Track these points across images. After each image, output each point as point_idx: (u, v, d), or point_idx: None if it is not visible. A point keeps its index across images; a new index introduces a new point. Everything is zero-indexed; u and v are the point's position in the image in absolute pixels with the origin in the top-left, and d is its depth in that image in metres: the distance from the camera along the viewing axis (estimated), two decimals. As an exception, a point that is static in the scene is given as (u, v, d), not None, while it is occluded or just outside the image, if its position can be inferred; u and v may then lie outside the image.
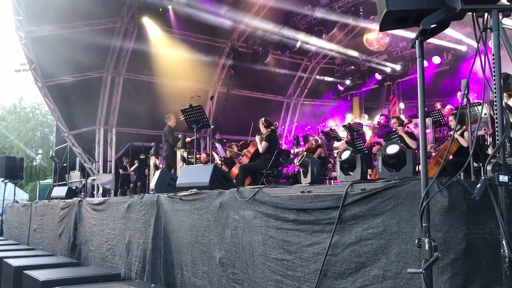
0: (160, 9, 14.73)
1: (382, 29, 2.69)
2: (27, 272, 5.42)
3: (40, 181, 25.75)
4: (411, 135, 8.66)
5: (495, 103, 2.33)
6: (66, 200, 8.80)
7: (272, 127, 8.64)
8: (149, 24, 15.01)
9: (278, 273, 3.72)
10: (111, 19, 15.06)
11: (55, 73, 14.69)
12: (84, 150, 15.73)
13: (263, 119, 8.71)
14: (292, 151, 12.48)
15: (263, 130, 8.63)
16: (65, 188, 10.26)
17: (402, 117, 11.77)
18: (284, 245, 3.70)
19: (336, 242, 3.26)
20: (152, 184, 6.52)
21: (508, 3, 2.56)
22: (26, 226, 10.29)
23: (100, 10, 14.16)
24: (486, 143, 7.30)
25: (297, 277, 3.55)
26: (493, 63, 2.30)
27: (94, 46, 14.66)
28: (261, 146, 8.33)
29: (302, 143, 13.15)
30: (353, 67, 19.24)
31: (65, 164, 14.34)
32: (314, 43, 17.06)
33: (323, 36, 16.56)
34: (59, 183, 14.86)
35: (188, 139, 10.69)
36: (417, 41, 2.51)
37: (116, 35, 15.44)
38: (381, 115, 12.11)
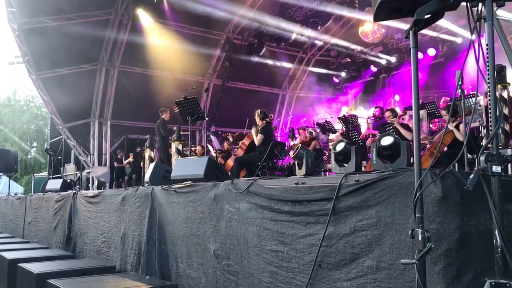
0: (155, 1, 14.64)
1: (376, 19, 2.67)
2: (22, 264, 5.41)
3: (35, 174, 25.69)
4: (406, 127, 8.66)
5: (489, 94, 2.32)
6: (60, 193, 8.77)
7: (268, 119, 8.63)
8: (144, 16, 14.92)
9: (273, 265, 3.72)
10: (105, 10, 14.96)
11: (49, 66, 14.60)
12: (79, 143, 15.68)
13: (259, 110, 8.70)
14: (287, 143, 12.48)
15: (258, 121, 8.62)
16: (60, 181, 10.24)
17: (397, 109, 11.79)
18: (279, 236, 3.70)
19: (330, 233, 3.26)
20: (147, 177, 6.50)
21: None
22: (21, 219, 10.26)
23: (94, 1, 14.06)
24: (480, 134, 7.33)
25: (292, 268, 3.56)
26: (487, 53, 2.29)
27: (88, 38, 14.56)
28: (257, 139, 8.32)
29: (297, 135, 13.15)
30: (348, 60, 19.23)
31: (60, 157, 14.29)
32: (310, 34, 17.03)
33: (319, 28, 16.52)
34: (54, 176, 14.82)
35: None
36: (411, 32, 2.50)
37: (110, 27, 15.35)
38: (376, 107, 12.11)
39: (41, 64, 14.45)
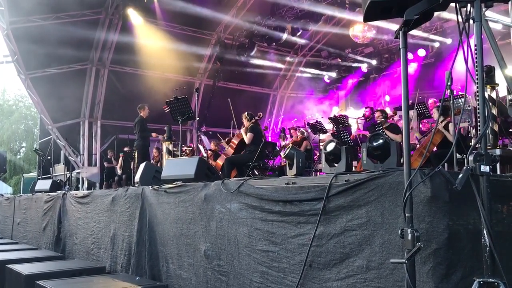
0: (145, 0, 14.58)
1: (366, 20, 2.68)
2: (10, 266, 5.37)
3: (24, 175, 25.44)
4: (396, 127, 8.67)
5: (477, 94, 2.34)
6: (50, 194, 8.70)
7: (256, 118, 8.63)
8: (134, 16, 14.84)
9: (264, 265, 3.72)
10: (95, 10, 14.87)
11: (38, 65, 14.48)
12: (69, 143, 15.55)
13: (246, 113, 8.73)
14: (278, 143, 12.48)
15: (246, 123, 8.63)
16: (49, 182, 10.15)
17: (387, 109, 11.83)
18: (270, 236, 3.70)
19: (320, 233, 3.27)
20: (137, 177, 6.47)
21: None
22: (9, 220, 10.17)
23: (84, 1, 13.97)
24: (469, 135, 7.38)
25: (283, 268, 3.56)
26: (476, 54, 2.30)
27: (78, 37, 14.47)
28: (247, 138, 8.32)
29: (288, 135, 13.15)
30: (339, 60, 19.29)
31: (49, 157, 14.18)
32: (300, 35, 17.09)
33: (310, 28, 16.56)
34: (43, 177, 14.69)
35: (154, 134, 10.72)
36: (400, 32, 2.51)
37: (100, 27, 15.27)
38: (366, 108, 12.14)
39: (30, 63, 14.31)
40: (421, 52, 16.20)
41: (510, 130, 6.84)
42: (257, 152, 8.06)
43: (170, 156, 8.98)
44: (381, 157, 3.75)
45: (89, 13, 14.73)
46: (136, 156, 10.48)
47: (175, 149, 9.60)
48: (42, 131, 18.69)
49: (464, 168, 2.22)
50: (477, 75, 2.31)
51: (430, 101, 10.82)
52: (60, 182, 12.21)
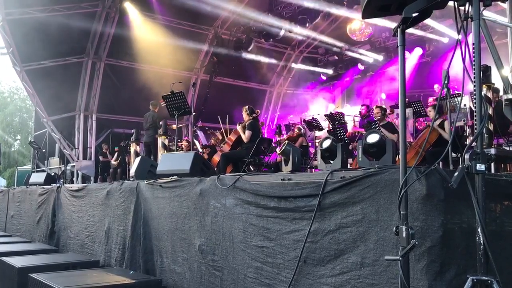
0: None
1: (364, 17, 2.68)
2: (3, 258, 5.34)
3: (18, 167, 25.33)
4: (392, 128, 8.66)
5: (474, 93, 2.34)
6: (44, 187, 8.67)
7: (254, 115, 8.62)
8: (131, 9, 14.80)
9: (258, 260, 3.73)
10: (92, 3, 14.80)
11: (34, 57, 14.42)
12: (64, 136, 15.51)
13: (246, 106, 8.69)
14: (274, 139, 12.49)
15: (245, 117, 8.60)
16: (43, 174, 10.10)
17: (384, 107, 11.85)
18: (264, 232, 3.70)
19: (315, 229, 3.27)
20: (132, 171, 6.45)
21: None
22: (3, 213, 10.13)
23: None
24: (465, 133, 7.41)
25: (277, 264, 3.56)
26: (473, 53, 2.30)
27: (75, 30, 14.41)
28: (245, 136, 8.29)
29: (284, 132, 13.17)
30: (336, 57, 19.30)
31: (44, 150, 14.12)
32: (298, 31, 17.07)
33: (307, 25, 16.55)
34: (37, 169, 14.63)
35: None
36: (399, 30, 2.50)
37: (97, 20, 15.19)
38: (362, 105, 12.16)
39: (26, 55, 14.25)
40: (418, 51, 16.23)
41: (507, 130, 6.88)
42: (253, 148, 8.05)
43: (165, 151, 8.97)
44: (377, 154, 3.75)
45: (86, 6, 14.66)
46: (144, 150, 10.57)
47: (170, 143, 9.58)
48: (37, 124, 18.63)
49: (460, 166, 2.22)
50: (474, 74, 2.31)
51: (430, 99, 10.84)
52: (55, 175, 12.17)
